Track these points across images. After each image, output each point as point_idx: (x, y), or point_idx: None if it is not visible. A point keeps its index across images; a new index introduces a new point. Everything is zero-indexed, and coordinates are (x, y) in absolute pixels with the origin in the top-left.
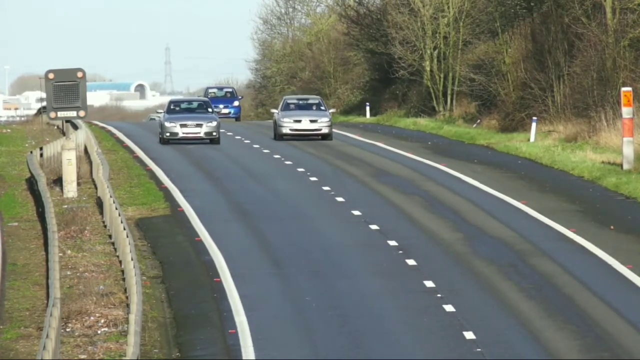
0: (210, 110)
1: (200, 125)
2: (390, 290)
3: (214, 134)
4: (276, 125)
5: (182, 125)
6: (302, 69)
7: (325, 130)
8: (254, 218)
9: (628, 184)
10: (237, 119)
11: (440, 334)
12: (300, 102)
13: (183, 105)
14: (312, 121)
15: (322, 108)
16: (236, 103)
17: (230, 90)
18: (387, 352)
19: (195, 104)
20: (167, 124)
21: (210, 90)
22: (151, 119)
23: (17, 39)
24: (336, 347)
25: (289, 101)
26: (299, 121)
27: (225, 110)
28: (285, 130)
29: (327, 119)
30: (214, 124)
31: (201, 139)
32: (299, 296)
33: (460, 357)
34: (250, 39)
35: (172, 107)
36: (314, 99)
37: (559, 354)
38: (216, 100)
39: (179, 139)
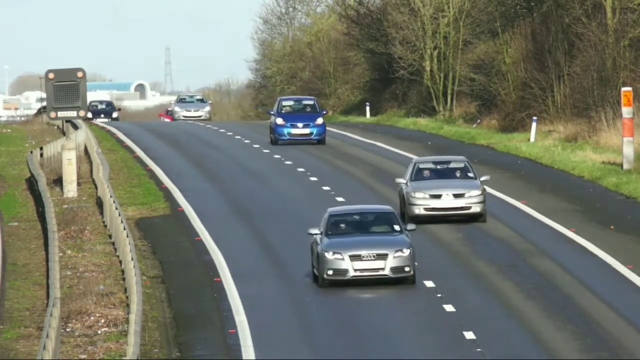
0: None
1: (307, 126)
2: (390, 290)
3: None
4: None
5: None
6: (302, 69)
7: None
8: (254, 218)
9: (628, 184)
10: (320, 141)
11: (440, 334)
12: (295, 103)
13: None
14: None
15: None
16: (319, 121)
17: (311, 103)
18: (387, 352)
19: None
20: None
21: (284, 104)
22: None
23: (17, 39)
24: (336, 347)
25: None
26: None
27: (306, 131)
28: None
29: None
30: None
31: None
32: (299, 296)
33: (460, 357)
34: (250, 39)
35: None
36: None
37: (559, 354)
38: (292, 116)
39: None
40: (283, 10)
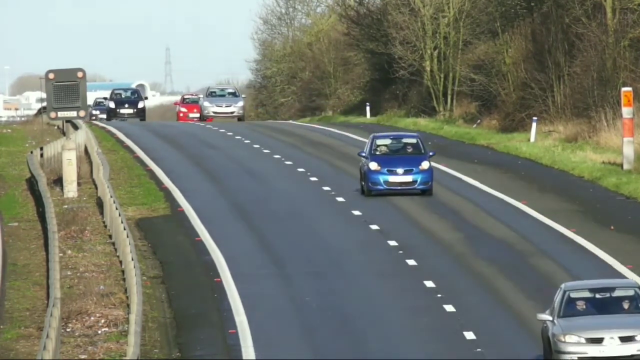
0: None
1: (410, 172)
2: (390, 290)
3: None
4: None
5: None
6: (302, 69)
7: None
8: (254, 218)
9: (628, 184)
10: (426, 191)
11: (440, 334)
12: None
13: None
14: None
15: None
16: (425, 165)
17: (413, 141)
18: (387, 352)
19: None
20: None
21: (379, 143)
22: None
23: (17, 39)
24: (336, 347)
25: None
26: None
27: (407, 178)
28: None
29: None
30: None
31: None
32: (299, 296)
33: (460, 357)
34: (250, 39)
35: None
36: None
37: None
38: (389, 160)
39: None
40: (283, 11)
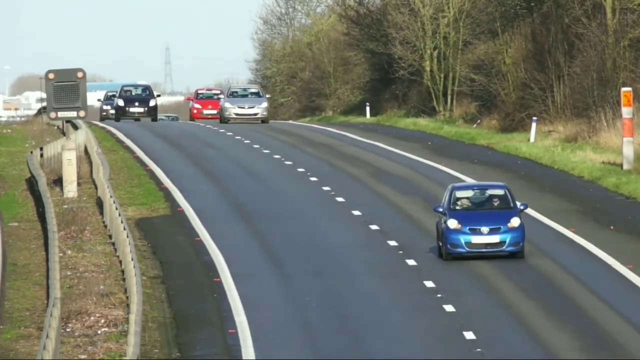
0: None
1: (497, 230)
2: (390, 290)
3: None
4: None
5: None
6: (302, 69)
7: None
8: (254, 218)
9: (628, 184)
10: (516, 253)
11: (440, 334)
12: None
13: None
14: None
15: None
16: (515, 222)
17: (501, 192)
18: (387, 352)
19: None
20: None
21: (459, 195)
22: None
23: (17, 39)
24: (336, 347)
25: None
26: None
27: (494, 239)
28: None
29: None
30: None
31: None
32: (299, 296)
33: (460, 357)
34: (250, 39)
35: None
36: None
37: (559, 354)
38: (472, 216)
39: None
40: (283, 11)
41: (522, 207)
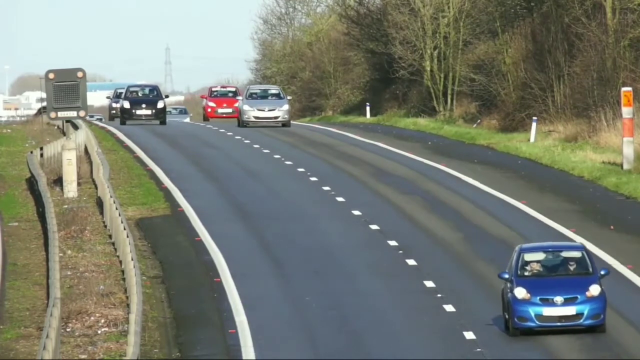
0: None
1: (573, 301)
2: (390, 290)
3: None
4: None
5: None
6: (302, 69)
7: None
8: (254, 218)
9: (628, 184)
10: (596, 326)
11: (440, 334)
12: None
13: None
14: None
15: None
16: (595, 290)
17: (577, 255)
18: (387, 352)
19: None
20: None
21: (529, 259)
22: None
23: (17, 39)
24: (336, 347)
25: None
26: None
27: (570, 310)
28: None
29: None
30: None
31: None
32: (299, 296)
33: (460, 357)
34: (250, 39)
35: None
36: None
37: (559, 354)
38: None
39: None
40: (283, 11)
41: (602, 272)
